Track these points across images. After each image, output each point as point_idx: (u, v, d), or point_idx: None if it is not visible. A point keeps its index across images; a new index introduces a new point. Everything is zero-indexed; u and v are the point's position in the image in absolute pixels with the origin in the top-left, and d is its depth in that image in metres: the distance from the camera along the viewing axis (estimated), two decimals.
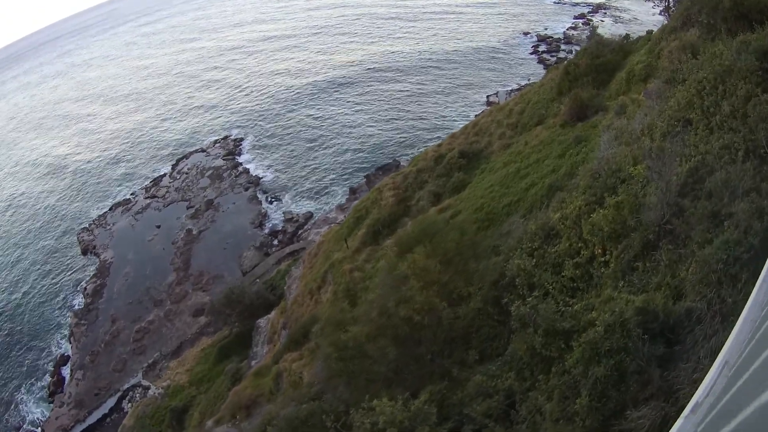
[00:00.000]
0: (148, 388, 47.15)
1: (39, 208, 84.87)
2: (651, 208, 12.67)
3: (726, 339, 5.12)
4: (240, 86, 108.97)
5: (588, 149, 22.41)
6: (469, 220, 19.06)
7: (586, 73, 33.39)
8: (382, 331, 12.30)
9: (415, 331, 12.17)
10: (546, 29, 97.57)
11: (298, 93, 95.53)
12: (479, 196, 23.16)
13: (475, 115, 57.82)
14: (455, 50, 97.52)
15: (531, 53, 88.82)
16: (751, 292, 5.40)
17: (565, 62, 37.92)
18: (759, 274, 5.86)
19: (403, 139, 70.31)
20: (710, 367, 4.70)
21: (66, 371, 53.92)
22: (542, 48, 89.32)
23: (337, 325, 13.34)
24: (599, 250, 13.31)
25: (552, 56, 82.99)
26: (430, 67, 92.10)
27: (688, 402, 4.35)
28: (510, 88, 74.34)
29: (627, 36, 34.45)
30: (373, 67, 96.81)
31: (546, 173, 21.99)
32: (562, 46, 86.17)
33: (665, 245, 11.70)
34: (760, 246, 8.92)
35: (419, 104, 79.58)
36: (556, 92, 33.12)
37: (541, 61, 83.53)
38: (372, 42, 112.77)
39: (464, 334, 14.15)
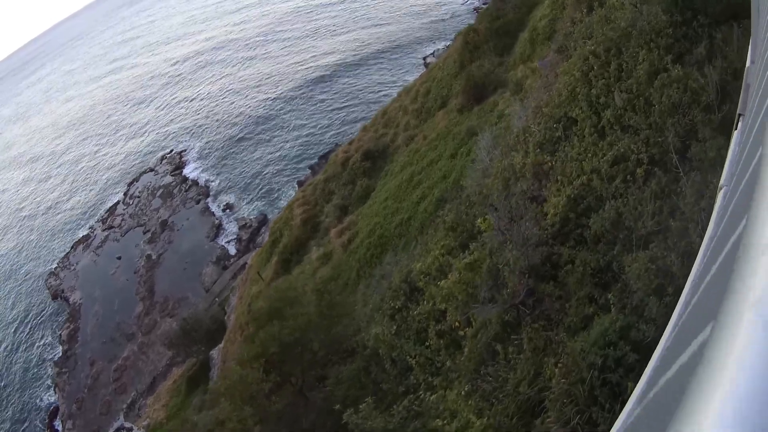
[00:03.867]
0: (131, 429, 46.65)
1: (5, 266, 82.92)
2: (505, 280, 9.67)
3: None
4: (171, 105, 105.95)
5: (478, 147, 21.02)
6: (332, 276, 17.94)
7: (486, 39, 31.52)
8: None
9: None
10: None
11: (232, 102, 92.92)
12: (374, 213, 21.95)
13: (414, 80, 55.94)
14: (387, 23, 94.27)
15: (463, 3, 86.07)
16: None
17: (464, 30, 35.91)
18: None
19: (342, 125, 68.57)
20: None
21: (58, 424, 53.38)
22: None
23: None
24: (457, 323, 10.93)
25: (485, 4, 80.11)
26: (365, 50, 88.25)
27: None
28: (444, 45, 72.09)
29: None
30: (304, 68, 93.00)
31: (437, 180, 20.69)
32: None
33: (529, 324, 8.92)
34: (660, 334, 6.33)
35: (357, 87, 77.10)
36: (458, 66, 31.40)
37: (476, 10, 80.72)
38: (296, 44, 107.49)
39: (343, 406, 13.05)
